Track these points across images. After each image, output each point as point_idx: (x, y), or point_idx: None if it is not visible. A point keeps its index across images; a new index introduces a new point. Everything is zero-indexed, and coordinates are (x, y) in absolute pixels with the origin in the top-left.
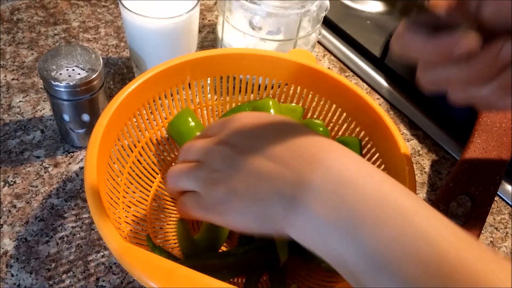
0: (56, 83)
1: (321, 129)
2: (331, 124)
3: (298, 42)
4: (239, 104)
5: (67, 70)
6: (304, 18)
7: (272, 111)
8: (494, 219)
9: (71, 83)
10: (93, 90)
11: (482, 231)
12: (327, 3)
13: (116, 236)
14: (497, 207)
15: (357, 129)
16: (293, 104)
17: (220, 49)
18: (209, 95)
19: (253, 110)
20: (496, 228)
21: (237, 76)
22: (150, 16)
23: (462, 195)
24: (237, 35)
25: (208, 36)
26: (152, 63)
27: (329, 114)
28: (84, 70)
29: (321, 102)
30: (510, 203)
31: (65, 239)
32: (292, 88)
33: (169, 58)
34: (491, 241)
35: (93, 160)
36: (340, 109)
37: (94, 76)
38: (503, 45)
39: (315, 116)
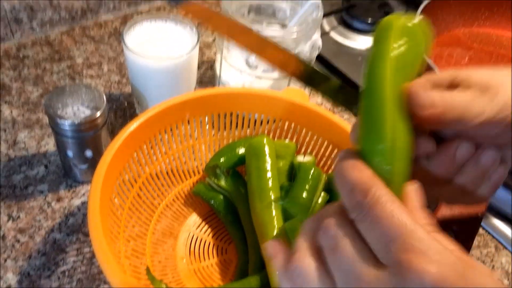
0: (62, 121)
1: (312, 170)
2: (324, 159)
3: (292, 79)
4: (235, 140)
5: (72, 108)
6: None
7: (266, 148)
8: (481, 252)
9: (76, 121)
10: (97, 127)
11: None
12: (320, 43)
13: (117, 270)
14: (484, 240)
15: None
16: (287, 141)
17: (217, 88)
18: (207, 131)
19: (248, 148)
20: (483, 261)
21: (234, 113)
22: (152, 57)
23: (445, 231)
24: (234, 72)
25: (207, 73)
26: (153, 99)
27: (322, 150)
28: (88, 108)
29: (314, 138)
30: (496, 236)
31: (67, 273)
32: (286, 124)
33: (170, 95)
34: None
35: (96, 198)
36: (331, 145)
37: (98, 114)
38: (458, 146)
39: (308, 151)
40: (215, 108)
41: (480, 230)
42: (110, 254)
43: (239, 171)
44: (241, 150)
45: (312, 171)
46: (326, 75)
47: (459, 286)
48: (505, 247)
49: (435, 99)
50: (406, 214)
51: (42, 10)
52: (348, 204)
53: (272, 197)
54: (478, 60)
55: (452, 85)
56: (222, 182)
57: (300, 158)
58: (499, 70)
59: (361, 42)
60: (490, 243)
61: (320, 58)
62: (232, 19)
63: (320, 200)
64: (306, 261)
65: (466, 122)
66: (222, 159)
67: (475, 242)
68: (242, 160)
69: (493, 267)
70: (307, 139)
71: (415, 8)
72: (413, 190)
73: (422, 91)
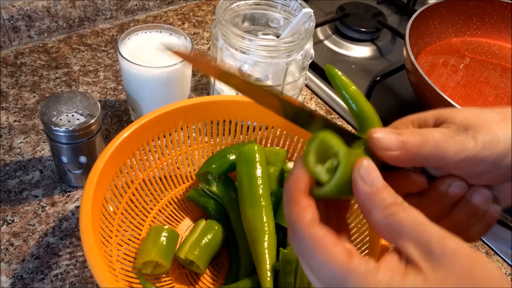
0: (56, 128)
1: None
2: None
3: (286, 87)
4: (228, 146)
5: (67, 115)
6: (291, 66)
7: (256, 155)
8: None
9: (70, 128)
10: (91, 134)
11: None
12: (312, 52)
13: (107, 274)
14: (474, 246)
15: None
16: (277, 147)
17: (209, 97)
18: (200, 138)
19: (239, 155)
20: None
21: (227, 120)
22: (146, 66)
23: None
24: None
25: (202, 79)
26: (147, 107)
27: None
28: (83, 115)
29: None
30: (486, 242)
31: (59, 276)
32: (278, 130)
33: (164, 103)
34: None
35: (89, 202)
36: None
37: (92, 121)
38: (451, 184)
39: None
40: (208, 115)
41: None
42: (101, 258)
43: (230, 177)
44: (232, 157)
45: None
46: (311, 113)
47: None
48: (496, 253)
49: (407, 136)
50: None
51: (39, 18)
52: None
53: (263, 203)
54: (471, 69)
55: (436, 125)
56: (214, 188)
57: (290, 165)
58: (486, 110)
59: (355, 51)
60: (480, 248)
61: (314, 66)
62: (220, 66)
63: None
64: None
65: (446, 157)
66: (213, 166)
67: None
68: (233, 166)
69: None
70: (299, 145)
71: (408, 16)
72: (370, 170)
73: (388, 134)
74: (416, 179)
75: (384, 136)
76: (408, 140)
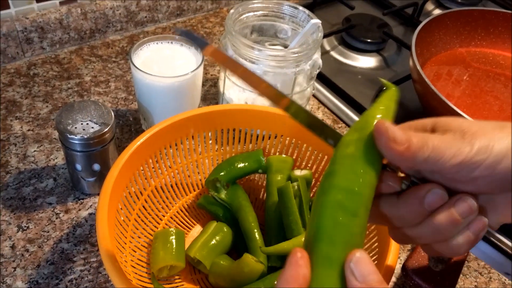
0: (72, 136)
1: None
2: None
3: (293, 97)
4: (238, 153)
5: (82, 124)
6: (299, 76)
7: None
8: (478, 264)
9: (85, 136)
10: (105, 142)
11: (467, 276)
12: (320, 62)
13: (125, 280)
14: (484, 268)
15: None
16: (284, 155)
17: (220, 105)
18: (210, 146)
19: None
20: (480, 273)
21: (237, 128)
22: (158, 75)
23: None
24: (237, 90)
25: (211, 90)
26: (158, 116)
27: (322, 163)
28: (97, 124)
29: (314, 153)
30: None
31: (74, 282)
32: (287, 139)
33: (175, 112)
34: (475, 286)
35: (104, 209)
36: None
37: (106, 129)
38: (430, 190)
39: (308, 166)
40: (218, 124)
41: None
42: (119, 264)
43: (238, 184)
44: (240, 165)
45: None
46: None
47: None
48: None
49: (411, 136)
50: None
51: (52, 30)
52: None
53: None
54: (476, 78)
55: (433, 131)
56: (222, 195)
57: (298, 172)
58: (481, 121)
59: (361, 61)
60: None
61: (321, 76)
62: (240, 63)
63: None
64: None
65: (443, 161)
66: (222, 173)
67: (472, 255)
68: (241, 173)
69: (490, 278)
70: (307, 153)
71: (413, 28)
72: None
73: (397, 129)
74: (391, 181)
75: (393, 128)
76: (412, 140)
